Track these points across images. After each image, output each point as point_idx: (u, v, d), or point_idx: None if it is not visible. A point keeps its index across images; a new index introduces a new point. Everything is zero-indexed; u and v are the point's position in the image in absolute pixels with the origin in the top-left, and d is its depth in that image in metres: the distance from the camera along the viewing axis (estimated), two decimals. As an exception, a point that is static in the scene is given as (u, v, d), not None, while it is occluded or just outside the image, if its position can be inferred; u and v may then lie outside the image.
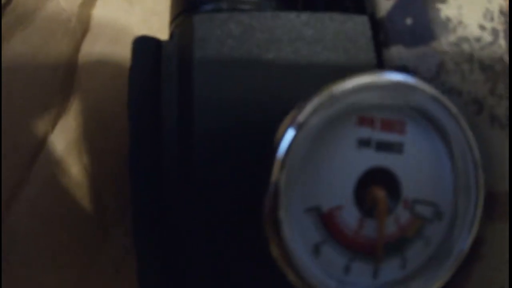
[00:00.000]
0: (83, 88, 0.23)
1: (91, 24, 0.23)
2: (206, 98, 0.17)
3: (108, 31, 0.23)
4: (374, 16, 0.18)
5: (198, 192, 0.16)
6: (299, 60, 0.17)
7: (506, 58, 0.18)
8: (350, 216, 0.14)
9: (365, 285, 0.15)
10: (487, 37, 0.17)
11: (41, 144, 0.23)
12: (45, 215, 0.23)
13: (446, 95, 0.16)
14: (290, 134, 0.14)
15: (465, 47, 0.17)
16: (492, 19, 0.18)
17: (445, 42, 0.17)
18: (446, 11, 0.17)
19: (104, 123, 0.24)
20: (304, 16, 0.17)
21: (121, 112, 0.24)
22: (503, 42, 0.18)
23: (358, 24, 0.18)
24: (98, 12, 0.24)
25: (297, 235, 0.14)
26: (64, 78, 0.23)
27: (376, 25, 0.18)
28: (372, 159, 0.15)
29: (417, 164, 0.15)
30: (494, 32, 0.18)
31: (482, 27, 0.17)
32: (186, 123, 0.17)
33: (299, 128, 0.14)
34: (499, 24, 0.18)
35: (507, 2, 0.18)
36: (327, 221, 0.14)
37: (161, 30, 0.23)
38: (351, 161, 0.14)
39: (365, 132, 0.15)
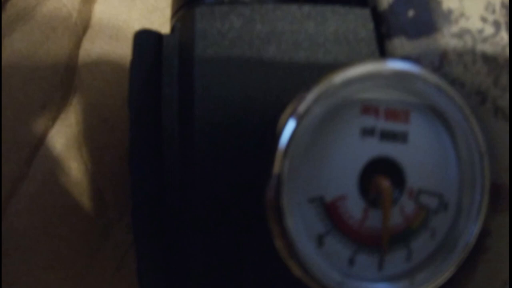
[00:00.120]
0: (84, 84, 0.22)
1: (92, 20, 0.23)
2: (207, 90, 0.16)
3: (109, 27, 0.22)
4: (376, 9, 0.17)
5: (199, 186, 0.15)
6: (300, 52, 0.17)
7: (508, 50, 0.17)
8: (354, 207, 0.14)
9: (370, 277, 0.14)
10: (489, 29, 0.17)
11: (41, 139, 0.22)
12: (45, 211, 0.22)
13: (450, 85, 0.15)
14: (291, 124, 0.13)
15: (467, 38, 0.16)
16: (494, 11, 0.17)
17: (447, 33, 0.16)
18: (448, 3, 0.17)
19: (105, 119, 0.23)
20: (306, 8, 0.17)
21: (122, 108, 0.24)
22: (505, 34, 0.17)
23: (360, 17, 0.17)
24: (99, 8, 0.23)
25: (300, 225, 0.13)
26: (64, 74, 0.22)
27: (378, 17, 0.17)
28: (376, 148, 0.14)
29: (421, 153, 0.14)
30: (496, 24, 0.17)
31: (484, 19, 0.17)
32: (186, 116, 0.16)
33: (300, 118, 0.13)
34: (501, 17, 0.17)
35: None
36: (331, 212, 0.14)
37: (162, 25, 0.23)
38: (355, 150, 0.14)
39: (369, 121, 0.14)
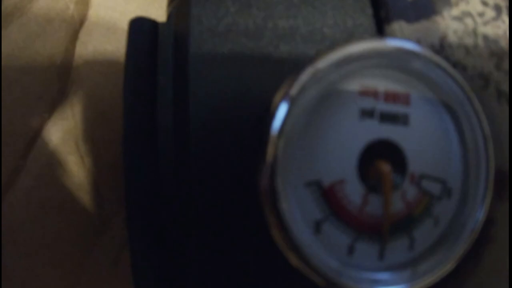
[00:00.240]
0: (80, 77, 0.21)
1: (89, 12, 0.22)
2: (202, 77, 0.15)
3: (106, 19, 0.22)
4: (374, -7, 0.16)
5: (194, 176, 0.14)
6: (297, 38, 0.15)
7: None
8: (353, 192, 0.12)
9: (370, 267, 0.12)
10: (490, 12, 0.16)
11: (37, 132, 0.21)
12: (41, 204, 0.21)
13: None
14: (284, 106, 0.12)
15: (468, 21, 0.15)
16: (494, -6, 0.16)
17: (447, 16, 0.15)
18: (448, -14, 0.16)
19: (101, 112, 0.22)
20: (303, -7, 0.16)
21: (119, 101, 0.23)
22: (506, 18, 0.16)
23: (359, 1, 0.16)
24: (96, 0, 0.22)
25: (296, 211, 0.12)
26: (61, 66, 0.21)
27: (377, 2, 0.16)
28: (376, 131, 0.13)
29: (423, 137, 0.13)
30: (497, 7, 0.16)
31: (484, 3, 0.16)
32: (181, 104, 0.15)
33: (293, 100, 0.12)
34: (502, 1, 0.16)
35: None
36: (328, 197, 0.12)
37: (159, 17, 0.22)
38: (354, 133, 0.13)
39: (368, 102, 0.13)
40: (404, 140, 0.13)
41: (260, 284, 0.14)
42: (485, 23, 0.16)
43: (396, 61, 0.13)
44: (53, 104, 0.21)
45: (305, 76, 0.12)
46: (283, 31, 0.15)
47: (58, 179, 0.22)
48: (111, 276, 0.23)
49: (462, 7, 0.16)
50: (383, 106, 0.13)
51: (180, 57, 0.16)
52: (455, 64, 0.15)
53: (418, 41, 0.15)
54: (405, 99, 0.13)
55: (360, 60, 0.12)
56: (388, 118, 0.13)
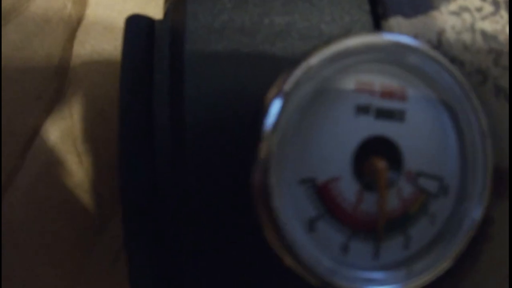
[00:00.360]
0: (78, 76, 0.21)
1: (87, 11, 0.22)
2: (198, 73, 0.14)
3: (104, 18, 0.21)
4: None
5: (191, 179, 0.14)
6: (294, 34, 0.15)
7: (508, 30, 0.15)
8: (348, 189, 0.12)
9: (365, 266, 0.12)
10: (488, 7, 0.15)
11: (36, 131, 0.21)
12: (40, 203, 0.21)
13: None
14: (277, 102, 0.12)
15: (466, 16, 0.15)
16: (493, -11, 0.15)
17: (445, 11, 0.15)
18: (445, -19, 0.15)
19: (100, 111, 0.21)
20: (299, -12, 0.15)
21: (117, 100, 0.22)
22: (504, 13, 0.15)
23: None
24: (93, -1, 0.22)
25: (290, 208, 0.12)
26: (59, 65, 0.21)
27: (374, -2, 0.16)
28: (372, 127, 0.12)
29: (420, 133, 0.13)
30: (495, 2, 0.15)
31: (483, -2, 0.15)
32: (177, 98, 0.15)
33: (286, 95, 0.12)
34: (500, -4, 0.16)
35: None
36: (323, 194, 0.12)
37: (157, 16, 0.22)
38: (349, 129, 0.12)
39: (363, 99, 0.12)
40: (400, 136, 0.13)
41: (256, 283, 0.14)
42: (483, 18, 0.15)
43: (392, 56, 0.12)
44: (51, 103, 0.21)
45: (299, 71, 0.12)
46: (279, 28, 0.15)
47: (57, 179, 0.21)
48: (110, 276, 0.23)
49: (460, 2, 0.15)
50: (379, 102, 0.12)
51: (176, 54, 0.16)
52: (452, 60, 0.14)
53: (415, 37, 0.15)
54: (401, 95, 0.13)
55: (355, 56, 0.12)
56: (384, 114, 0.13)
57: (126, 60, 0.16)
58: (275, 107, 0.11)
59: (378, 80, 0.13)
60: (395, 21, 0.15)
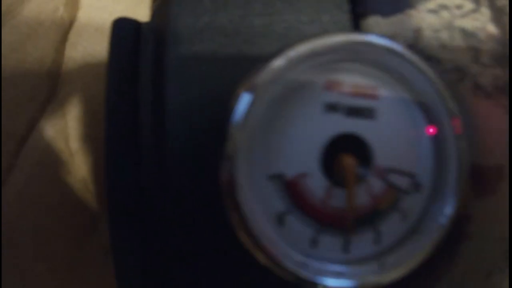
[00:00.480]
0: (71, 77, 0.22)
1: (79, 13, 0.22)
2: (179, 74, 0.15)
3: (96, 20, 0.22)
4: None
5: (173, 178, 0.14)
6: (274, 34, 0.16)
7: (491, 27, 0.16)
8: (317, 185, 0.12)
9: (334, 259, 0.12)
10: (469, 4, 0.15)
11: (29, 131, 0.22)
12: (33, 201, 0.22)
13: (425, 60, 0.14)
14: (245, 98, 0.12)
15: (444, 14, 0.15)
16: (473, -13, 0.16)
17: (423, 9, 0.15)
18: (425, -21, 0.16)
19: (92, 112, 0.22)
20: (279, -11, 0.16)
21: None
22: (486, 10, 0.16)
23: None
24: (86, 1, 0.22)
25: (258, 203, 0.12)
26: (51, 67, 0.22)
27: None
28: (341, 124, 0.13)
29: (391, 131, 0.13)
30: (476, 0, 0.16)
31: (463, -5, 0.16)
32: (160, 99, 0.16)
33: (254, 91, 0.12)
34: (482, -7, 0.16)
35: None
36: (292, 190, 0.12)
37: (147, 18, 0.22)
38: (317, 126, 0.13)
39: (333, 97, 0.13)
40: (370, 134, 0.13)
41: (239, 280, 0.14)
42: (463, 16, 0.15)
43: (364, 55, 0.13)
44: (44, 104, 0.22)
45: (266, 70, 0.12)
46: (259, 29, 0.16)
47: (50, 177, 0.22)
48: (103, 271, 0.23)
49: (439, 0, 0.16)
50: (349, 100, 0.13)
51: (160, 55, 0.16)
52: (429, 58, 0.15)
53: (393, 36, 0.15)
54: (372, 94, 0.13)
55: (324, 55, 0.12)
56: (355, 112, 0.13)
57: (112, 62, 0.17)
58: (242, 103, 0.12)
59: (350, 79, 0.13)
60: (374, 20, 0.16)
